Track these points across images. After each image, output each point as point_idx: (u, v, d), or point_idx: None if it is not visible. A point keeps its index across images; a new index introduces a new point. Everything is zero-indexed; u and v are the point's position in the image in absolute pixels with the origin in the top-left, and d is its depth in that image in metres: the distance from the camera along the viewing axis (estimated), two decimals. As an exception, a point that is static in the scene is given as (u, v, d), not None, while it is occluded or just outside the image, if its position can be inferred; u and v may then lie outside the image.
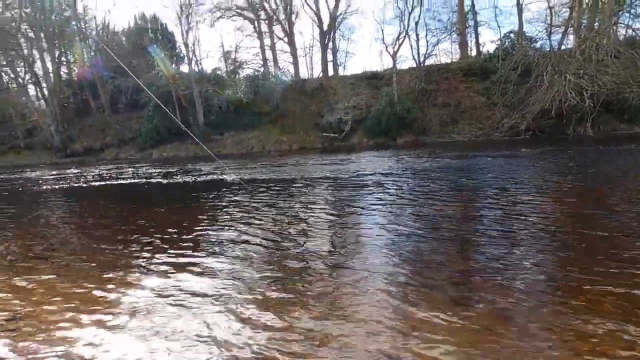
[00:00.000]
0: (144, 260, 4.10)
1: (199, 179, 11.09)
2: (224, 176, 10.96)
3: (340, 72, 29.27)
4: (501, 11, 26.81)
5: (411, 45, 23.95)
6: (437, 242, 4.19)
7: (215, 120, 22.70)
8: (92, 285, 3.48)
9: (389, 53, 22.34)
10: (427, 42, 23.13)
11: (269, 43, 28.11)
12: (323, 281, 3.33)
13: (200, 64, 28.00)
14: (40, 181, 13.56)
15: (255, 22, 27.96)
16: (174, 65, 24.94)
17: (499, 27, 24.08)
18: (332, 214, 5.78)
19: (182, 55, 26.74)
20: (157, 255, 4.20)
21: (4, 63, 28.43)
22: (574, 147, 12.46)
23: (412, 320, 2.60)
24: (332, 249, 4.19)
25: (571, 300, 2.73)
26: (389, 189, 7.49)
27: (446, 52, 26.79)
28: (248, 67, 27.72)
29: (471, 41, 25.99)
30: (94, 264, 4.11)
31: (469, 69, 21.79)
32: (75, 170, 16.34)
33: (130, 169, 15.35)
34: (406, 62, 31.06)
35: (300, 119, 22.58)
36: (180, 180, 11.14)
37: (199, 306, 2.95)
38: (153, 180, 11.47)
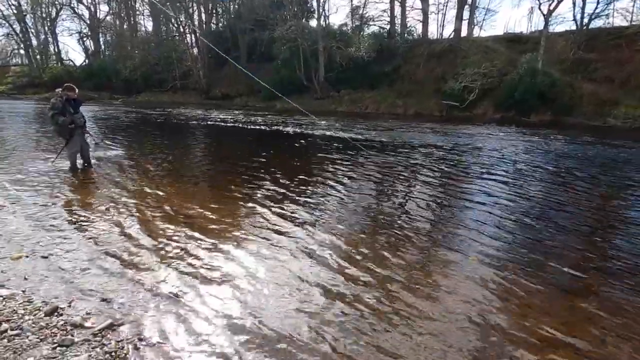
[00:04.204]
0: (262, 185, 5.01)
1: (312, 132, 11.81)
2: (336, 133, 11.42)
3: (476, 32, 25.99)
4: None
5: (574, 2, 19.38)
6: (557, 231, 3.78)
7: (335, 77, 23.15)
8: (228, 197, 4.46)
9: (542, 12, 18.70)
10: (599, -3, 18.52)
11: (400, -2, 26.42)
12: (414, 246, 3.43)
13: (328, 19, 28.33)
14: (190, 117, 16.38)
15: (390, -26, 26.43)
16: (303, 20, 25.81)
17: None
18: (439, 190, 5.65)
19: (312, 9, 27.41)
20: (271, 184, 5.02)
21: (172, 14, 33.77)
22: None
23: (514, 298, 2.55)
24: (432, 222, 4.19)
25: None
26: (507, 171, 6.81)
27: (623, 12, 21.08)
28: (374, 24, 26.87)
29: (668, -3, 19.83)
30: (227, 182, 5.08)
31: (656, 35, 16.89)
32: (215, 113, 19.07)
33: (256, 117, 17.18)
34: (562, 23, 25.73)
35: (421, 83, 21.30)
36: (294, 130, 12.07)
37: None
38: (273, 128, 12.70)
